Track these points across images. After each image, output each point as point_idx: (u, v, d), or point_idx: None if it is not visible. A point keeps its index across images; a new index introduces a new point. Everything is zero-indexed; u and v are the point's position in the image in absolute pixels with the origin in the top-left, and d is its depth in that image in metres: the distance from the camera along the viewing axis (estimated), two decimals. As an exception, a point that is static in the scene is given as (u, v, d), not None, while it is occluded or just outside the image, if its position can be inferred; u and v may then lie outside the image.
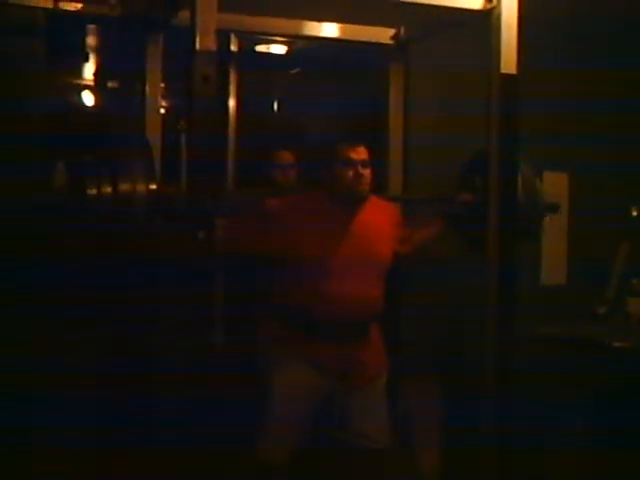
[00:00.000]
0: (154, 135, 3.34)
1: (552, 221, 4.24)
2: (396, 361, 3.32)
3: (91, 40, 4.93)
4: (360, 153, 3.06)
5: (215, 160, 2.81)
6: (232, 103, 4.93)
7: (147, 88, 3.33)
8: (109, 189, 2.82)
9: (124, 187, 2.82)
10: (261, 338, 3.22)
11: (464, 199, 3.27)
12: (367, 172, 3.06)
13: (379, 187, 3.35)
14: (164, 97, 4.26)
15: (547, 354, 3.70)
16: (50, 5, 3.16)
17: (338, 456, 3.16)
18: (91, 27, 4.66)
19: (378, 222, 3.15)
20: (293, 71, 5.46)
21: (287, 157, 4.09)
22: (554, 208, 3.43)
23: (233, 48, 4.85)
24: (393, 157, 3.64)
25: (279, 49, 5.03)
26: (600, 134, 4.22)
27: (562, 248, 4.32)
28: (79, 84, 5.73)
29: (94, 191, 2.82)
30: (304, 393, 3.05)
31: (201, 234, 2.62)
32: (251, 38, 4.79)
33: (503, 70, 2.88)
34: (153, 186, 2.87)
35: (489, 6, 2.92)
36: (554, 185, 4.31)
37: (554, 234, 4.30)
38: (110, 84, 5.85)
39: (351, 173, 3.03)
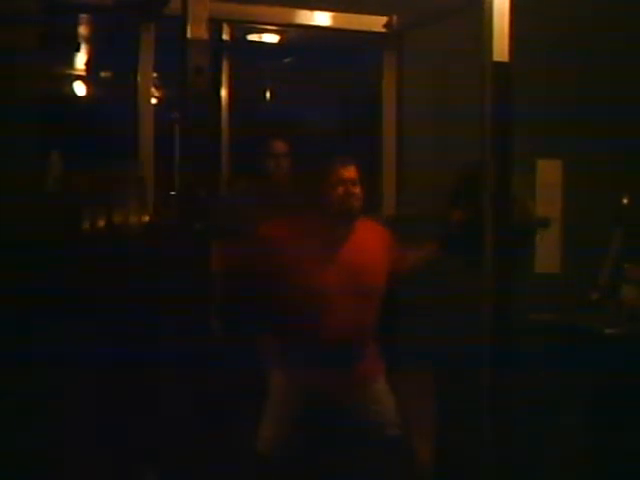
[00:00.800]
0: (147, 126, 3.33)
1: (546, 209, 4.26)
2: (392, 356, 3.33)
3: (83, 30, 4.92)
4: (350, 172, 3.11)
5: (208, 150, 2.80)
6: (224, 93, 4.93)
7: (139, 78, 3.31)
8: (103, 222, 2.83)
9: (118, 219, 2.84)
10: (259, 349, 3.28)
11: (456, 219, 3.31)
12: (358, 190, 3.10)
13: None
14: (156, 87, 4.25)
15: (540, 341, 3.71)
16: (42, -5, 3.15)
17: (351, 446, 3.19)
18: (84, 17, 4.65)
19: (370, 245, 3.18)
20: (286, 60, 5.45)
21: (280, 146, 4.00)
22: (546, 224, 3.45)
23: (225, 37, 4.85)
24: (386, 146, 3.63)
25: (272, 38, 5.02)
26: (594, 121, 4.22)
27: (556, 236, 4.32)
28: (71, 74, 5.71)
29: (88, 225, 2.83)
30: (300, 404, 3.10)
31: (197, 225, 2.62)
32: (243, 27, 4.78)
33: (496, 58, 2.87)
34: (146, 217, 2.89)
35: (481, -7, 2.91)
36: (548, 172, 4.32)
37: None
38: (103, 74, 5.83)
39: (342, 190, 3.07)
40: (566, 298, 3.93)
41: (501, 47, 2.87)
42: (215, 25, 4.43)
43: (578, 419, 3.60)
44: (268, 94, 5.85)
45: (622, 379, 3.45)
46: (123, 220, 2.89)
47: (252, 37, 4.98)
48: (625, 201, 3.97)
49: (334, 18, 3.51)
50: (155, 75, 3.48)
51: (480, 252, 2.96)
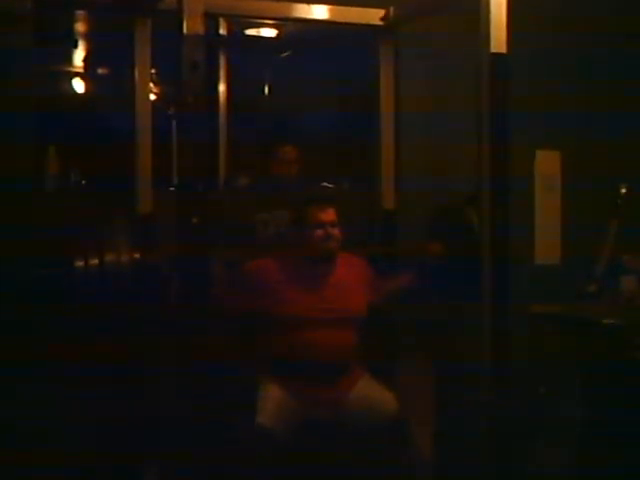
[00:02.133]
0: (144, 121, 3.32)
1: (545, 200, 4.25)
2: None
3: (80, 26, 4.91)
4: (329, 214, 3.28)
5: (206, 145, 2.80)
6: (222, 88, 4.92)
7: (136, 73, 3.31)
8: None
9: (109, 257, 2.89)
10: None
11: (434, 250, 3.49)
12: (336, 231, 3.28)
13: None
14: (154, 82, 4.24)
15: (540, 332, 3.71)
16: (36, -8, 3.13)
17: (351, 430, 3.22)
18: (80, 13, 4.63)
19: (349, 278, 3.35)
20: (284, 54, 5.44)
21: (290, 152, 3.84)
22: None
23: (222, 32, 4.83)
24: (385, 139, 3.63)
25: (269, 32, 5.01)
26: (592, 112, 4.21)
27: (556, 227, 4.31)
28: (69, 71, 5.70)
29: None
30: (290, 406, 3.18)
31: (195, 219, 2.62)
32: (241, 22, 4.77)
33: (493, 49, 2.87)
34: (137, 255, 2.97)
35: (479, -15, 2.90)
36: (547, 163, 4.32)
37: (547, 213, 4.30)
38: (100, 71, 5.82)
39: (321, 233, 3.25)
40: (566, 289, 3.93)
41: (499, 39, 2.87)
42: (212, 20, 4.42)
43: (577, 409, 3.60)
44: (266, 89, 5.84)
45: (620, 369, 3.45)
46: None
47: (250, 32, 4.97)
48: (623, 191, 3.96)
49: (331, 11, 3.51)
50: (153, 71, 3.48)
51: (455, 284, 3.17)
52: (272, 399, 3.15)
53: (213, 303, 3.01)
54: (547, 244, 4.29)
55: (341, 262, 3.36)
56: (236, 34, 4.80)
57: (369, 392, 3.26)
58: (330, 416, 3.20)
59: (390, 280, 3.52)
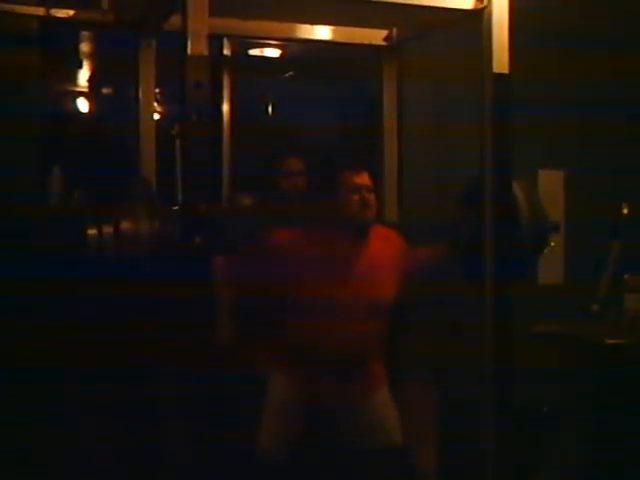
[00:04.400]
0: (148, 141, 3.33)
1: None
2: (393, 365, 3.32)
3: (85, 47, 4.94)
4: (364, 178, 3.00)
5: (210, 165, 2.80)
6: (226, 107, 4.94)
7: (141, 93, 3.32)
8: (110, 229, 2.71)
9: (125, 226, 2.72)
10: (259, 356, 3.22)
11: (466, 220, 3.14)
12: (372, 197, 2.99)
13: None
14: (158, 102, 4.27)
15: (543, 352, 3.70)
16: (42, 13, 3.16)
17: (351, 455, 3.12)
18: (84, 34, 4.67)
19: (383, 255, 3.05)
20: (287, 74, 5.47)
21: (296, 164, 3.79)
22: (556, 227, 3.43)
23: (226, 52, 4.87)
24: (388, 158, 3.63)
25: (273, 52, 5.05)
26: (595, 132, 4.22)
27: (559, 246, 4.31)
28: (73, 90, 5.74)
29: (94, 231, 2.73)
30: (299, 410, 3.03)
31: (198, 239, 2.62)
32: (244, 42, 4.81)
33: (495, 70, 2.88)
34: (156, 224, 2.76)
35: (480, 6, 2.92)
36: (550, 183, 4.32)
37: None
38: (105, 90, 5.86)
39: (357, 198, 2.97)
40: (569, 309, 3.92)
41: (501, 59, 2.88)
42: (216, 40, 4.44)
43: (579, 429, 3.59)
44: (270, 108, 5.87)
45: (623, 389, 3.44)
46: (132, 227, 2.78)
47: (254, 52, 5.01)
48: (625, 211, 3.96)
49: (334, 32, 3.51)
50: (157, 91, 3.49)
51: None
52: (277, 397, 3.00)
53: (219, 274, 2.81)
54: (550, 263, 4.29)
55: (375, 237, 3.03)
56: (240, 54, 4.84)
57: (380, 416, 3.09)
58: (337, 420, 3.03)
59: (422, 252, 3.22)
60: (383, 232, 3.11)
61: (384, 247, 3.07)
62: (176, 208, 4.10)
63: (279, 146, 4.33)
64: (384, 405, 3.13)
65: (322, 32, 3.51)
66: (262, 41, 4.44)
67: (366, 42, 3.57)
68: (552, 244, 3.36)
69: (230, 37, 4.41)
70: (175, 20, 2.75)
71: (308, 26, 3.48)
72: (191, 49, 2.55)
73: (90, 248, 2.75)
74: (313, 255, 2.95)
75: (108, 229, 2.73)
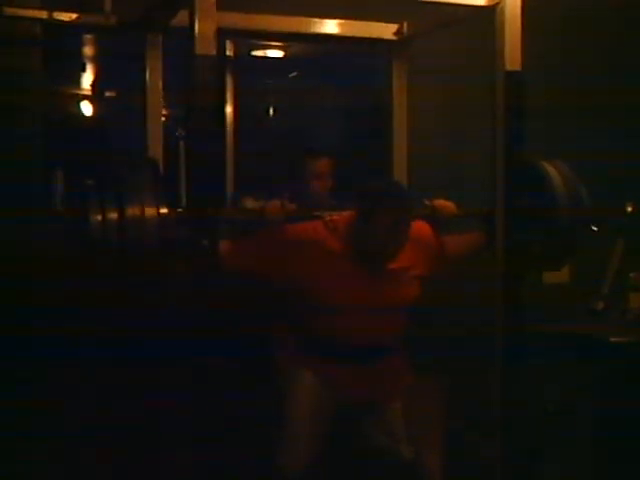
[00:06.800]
0: (155, 143, 3.31)
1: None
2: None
3: (88, 49, 4.91)
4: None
5: (215, 167, 2.77)
6: (229, 109, 4.91)
7: (147, 95, 3.29)
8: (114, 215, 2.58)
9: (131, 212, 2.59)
10: (276, 354, 3.17)
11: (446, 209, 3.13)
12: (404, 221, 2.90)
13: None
14: (164, 105, 4.24)
15: (549, 351, 3.68)
16: (45, 16, 3.13)
17: (361, 466, 3.11)
18: (88, 37, 4.64)
19: (414, 251, 2.97)
20: (290, 75, 5.44)
21: (325, 165, 3.53)
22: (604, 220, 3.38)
23: (229, 53, 4.83)
24: (398, 156, 3.58)
25: (276, 53, 5.01)
26: (598, 129, 4.19)
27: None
28: (77, 94, 5.71)
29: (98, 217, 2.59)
30: (319, 412, 3.00)
31: (205, 242, 2.59)
32: (247, 43, 4.77)
33: (508, 67, 2.85)
34: (164, 210, 2.65)
35: (493, 2, 2.89)
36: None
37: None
38: (109, 93, 5.84)
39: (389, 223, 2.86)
40: (575, 308, 3.90)
41: (513, 56, 2.85)
42: (219, 41, 4.41)
43: (582, 428, 3.56)
44: (272, 110, 5.84)
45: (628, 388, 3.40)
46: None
47: (256, 52, 4.97)
48: (629, 209, 3.93)
49: (343, 26, 3.44)
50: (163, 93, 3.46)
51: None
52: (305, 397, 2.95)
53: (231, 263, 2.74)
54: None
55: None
56: (242, 55, 4.80)
57: (398, 417, 3.09)
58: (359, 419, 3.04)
59: (455, 239, 3.15)
60: (413, 230, 2.96)
61: (413, 247, 2.96)
62: (181, 210, 4.08)
63: (309, 146, 4.09)
64: (397, 415, 3.13)
65: (330, 26, 3.44)
66: (268, 39, 4.36)
67: (376, 37, 3.50)
68: (595, 229, 3.32)
69: (233, 37, 4.37)
70: (183, 17, 2.69)
71: (316, 20, 3.42)
72: (198, 49, 2.52)
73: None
74: (339, 247, 2.90)
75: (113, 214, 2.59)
